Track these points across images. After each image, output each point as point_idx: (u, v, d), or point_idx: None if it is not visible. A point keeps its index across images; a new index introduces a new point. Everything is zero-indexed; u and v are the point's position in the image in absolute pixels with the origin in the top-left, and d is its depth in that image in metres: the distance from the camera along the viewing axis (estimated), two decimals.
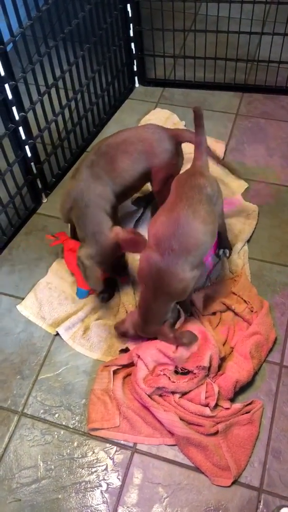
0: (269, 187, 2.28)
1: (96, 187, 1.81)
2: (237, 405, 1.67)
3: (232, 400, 1.70)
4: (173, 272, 1.62)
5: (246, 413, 1.66)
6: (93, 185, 1.81)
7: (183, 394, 1.70)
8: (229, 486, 1.56)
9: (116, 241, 1.77)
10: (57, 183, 2.37)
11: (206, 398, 1.67)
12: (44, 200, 2.32)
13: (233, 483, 1.57)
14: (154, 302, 1.68)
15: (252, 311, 1.86)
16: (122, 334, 1.82)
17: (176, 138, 1.92)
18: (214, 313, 1.89)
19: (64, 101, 2.23)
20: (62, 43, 2.08)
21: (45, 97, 2.10)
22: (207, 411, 1.65)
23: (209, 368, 1.71)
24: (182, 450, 1.63)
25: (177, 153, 1.93)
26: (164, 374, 1.70)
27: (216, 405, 1.67)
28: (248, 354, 1.73)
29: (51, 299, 1.97)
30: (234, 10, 2.40)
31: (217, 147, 2.39)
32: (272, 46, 2.51)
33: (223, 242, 2.03)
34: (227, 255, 2.03)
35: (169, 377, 1.70)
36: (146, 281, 1.67)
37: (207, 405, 1.67)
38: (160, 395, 1.70)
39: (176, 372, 1.73)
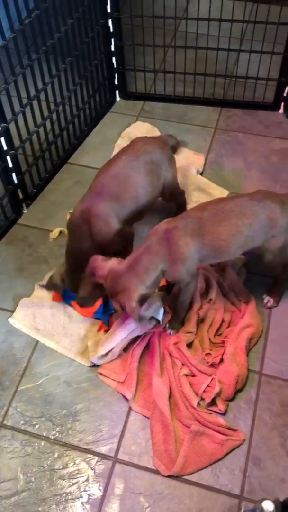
0: None
1: (99, 222, 1.79)
2: (222, 421, 1.68)
3: (230, 400, 1.73)
4: None
5: (224, 434, 1.65)
6: (95, 220, 1.79)
7: (189, 375, 1.77)
8: (209, 489, 1.57)
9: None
10: (38, 194, 2.37)
11: (204, 392, 1.71)
12: (25, 211, 2.32)
13: (169, 476, 1.59)
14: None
15: (240, 301, 1.93)
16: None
17: (167, 143, 1.99)
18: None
19: (46, 113, 2.25)
20: (45, 56, 2.11)
21: (27, 109, 2.11)
22: (194, 401, 1.69)
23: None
24: (150, 421, 1.68)
25: (173, 156, 2.00)
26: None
27: (213, 401, 1.70)
28: (245, 348, 1.78)
29: (43, 310, 1.95)
30: (213, 28, 2.47)
31: (197, 159, 2.44)
32: (249, 63, 2.58)
33: (273, 289, 1.94)
34: (270, 304, 1.94)
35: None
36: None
37: (201, 399, 1.71)
38: (170, 354, 1.79)
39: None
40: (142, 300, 1.65)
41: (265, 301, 1.95)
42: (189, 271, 1.70)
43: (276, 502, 0.75)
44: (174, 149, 2.07)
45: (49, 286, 1.93)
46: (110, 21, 2.45)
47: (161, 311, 1.86)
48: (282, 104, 2.67)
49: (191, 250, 1.65)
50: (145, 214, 1.96)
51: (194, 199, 2.27)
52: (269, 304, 1.94)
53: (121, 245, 1.89)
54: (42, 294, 2.02)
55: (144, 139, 1.97)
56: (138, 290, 1.63)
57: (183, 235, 1.64)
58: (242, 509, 1.52)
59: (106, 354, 1.80)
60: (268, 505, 0.76)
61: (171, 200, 2.11)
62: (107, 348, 1.78)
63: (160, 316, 1.85)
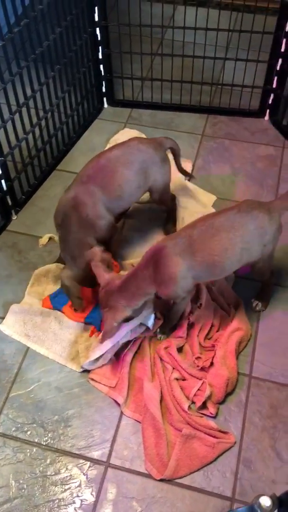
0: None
1: (85, 208, 1.82)
2: (213, 424, 1.69)
3: (221, 403, 1.75)
4: None
5: (215, 437, 1.67)
6: (82, 207, 1.82)
7: (180, 379, 1.79)
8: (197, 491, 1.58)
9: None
10: (27, 200, 2.38)
11: (194, 395, 1.72)
12: (14, 217, 2.33)
13: (161, 479, 1.61)
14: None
15: (229, 305, 1.96)
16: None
17: (163, 145, 2.01)
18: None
19: (35, 120, 2.26)
20: (34, 63, 2.12)
21: (16, 116, 2.12)
22: (185, 404, 1.70)
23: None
24: (142, 425, 1.69)
25: (168, 159, 2.02)
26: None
27: (204, 404, 1.72)
28: (234, 351, 1.80)
29: (33, 317, 1.96)
30: (199, 36, 2.51)
31: (185, 165, 2.46)
32: (235, 71, 2.63)
33: (262, 293, 1.97)
34: (259, 308, 1.97)
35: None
36: None
37: (192, 402, 1.73)
38: (161, 359, 1.80)
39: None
40: (126, 320, 1.72)
41: (254, 305, 1.98)
42: (184, 289, 1.72)
43: (273, 497, 0.78)
44: (174, 151, 2.07)
45: (69, 295, 1.88)
46: (97, 30, 2.48)
47: (152, 317, 1.88)
48: (267, 111, 2.72)
49: (181, 269, 1.66)
50: (126, 211, 2.01)
51: (182, 205, 2.29)
52: (257, 308, 1.97)
53: (109, 234, 1.92)
54: (32, 301, 2.03)
55: (140, 138, 1.99)
56: (125, 312, 1.69)
57: (172, 255, 1.65)
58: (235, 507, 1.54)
59: (97, 359, 1.80)
60: (265, 500, 0.78)
61: (161, 203, 2.14)
62: (98, 353, 1.79)
63: (150, 323, 1.87)
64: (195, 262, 1.66)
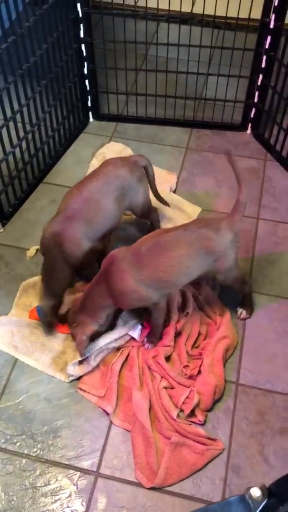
0: (219, 216, 2.41)
1: (70, 246, 1.86)
2: (202, 431, 1.71)
3: (209, 410, 1.77)
4: None
5: (204, 444, 1.69)
6: (66, 244, 1.86)
7: (168, 387, 1.80)
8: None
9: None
10: (14, 213, 2.40)
11: (183, 403, 1.74)
12: (1, 230, 2.34)
13: (151, 488, 1.62)
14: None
15: (215, 313, 1.99)
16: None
17: (137, 164, 2.03)
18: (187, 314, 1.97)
19: (21, 134, 2.29)
20: (21, 79, 2.16)
21: (4, 130, 2.15)
22: (174, 412, 1.72)
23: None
24: (131, 434, 1.70)
25: (144, 176, 2.05)
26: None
27: (192, 412, 1.73)
28: (221, 359, 1.83)
29: (21, 328, 1.97)
30: (182, 53, 2.57)
31: (170, 178, 2.52)
32: (217, 86, 2.70)
33: (245, 301, 2.01)
34: (244, 316, 2.00)
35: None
36: None
37: (181, 410, 1.74)
38: (149, 368, 1.82)
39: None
40: (95, 335, 1.80)
41: (239, 313, 2.02)
42: (143, 299, 1.75)
43: (262, 488, 0.81)
44: (147, 171, 2.07)
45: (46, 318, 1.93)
46: (83, 46, 2.53)
47: (138, 328, 1.90)
48: (250, 124, 2.79)
49: (130, 283, 1.70)
50: (111, 232, 2.06)
51: (167, 216, 2.33)
52: (242, 316, 2.01)
53: (94, 261, 1.97)
54: (20, 312, 2.03)
55: (114, 162, 1.99)
56: (92, 327, 1.78)
57: (120, 271, 1.71)
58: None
59: (82, 362, 1.82)
60: (255, 491, 0.82)
61: (144, 217, 2.18)
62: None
63: (136, 334, 1.89)
64: (143, 277, 1.71)
